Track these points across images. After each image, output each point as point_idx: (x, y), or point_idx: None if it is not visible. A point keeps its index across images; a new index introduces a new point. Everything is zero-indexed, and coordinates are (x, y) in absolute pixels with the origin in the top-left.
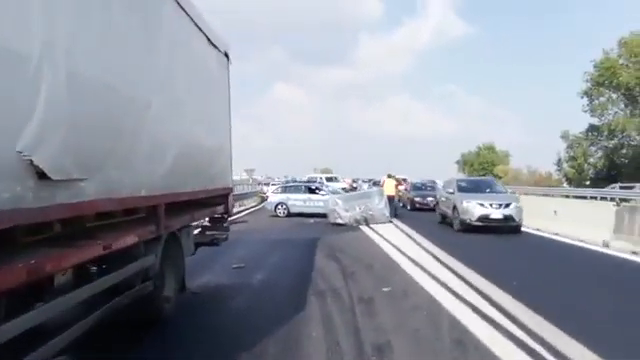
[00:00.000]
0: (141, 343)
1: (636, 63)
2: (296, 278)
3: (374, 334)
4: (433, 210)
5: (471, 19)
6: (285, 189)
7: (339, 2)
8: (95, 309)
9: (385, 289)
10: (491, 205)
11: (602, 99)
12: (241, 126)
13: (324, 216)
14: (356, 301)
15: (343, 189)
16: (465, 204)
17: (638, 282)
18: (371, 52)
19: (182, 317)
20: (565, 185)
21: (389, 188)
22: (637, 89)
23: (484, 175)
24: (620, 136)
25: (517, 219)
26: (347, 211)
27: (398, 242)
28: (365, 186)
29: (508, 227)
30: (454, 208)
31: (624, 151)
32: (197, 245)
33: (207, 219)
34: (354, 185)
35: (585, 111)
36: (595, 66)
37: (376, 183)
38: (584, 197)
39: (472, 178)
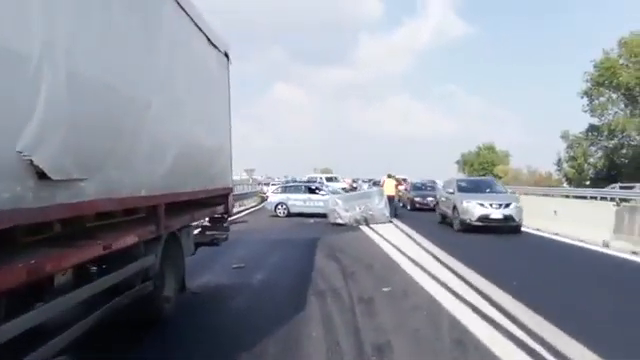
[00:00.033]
0: (141, 343)
1: (636, 63)
2: (296, 278)
3: (374, 334)
4: (433, 210)
5: (471, 19)
6: (285, 189)
7: (339, 2)
8: (95, 309)
9: (385, 289)
10: (491, 205)
11: (602, 99)
12: (241, 126)
13: (324, 216)
14: (356, 301)
15: (343, 189)
16: (465, 204)
17: (638, 282)
18: (371, 52)
19: (182, 317)
20: (565, 185)
21: (389, 188)
22: (637, 89)
23: (484, 175)
24: (620, 136)
25: (517, 219)
26: (347, 211)
27: (398, 242)
28: (365, 186)
29: (508, 227)
30: (454, 208)
31: (624, 151)
32: (197, 245)
33: (207, 219)
34: (354, 185)
35: (585, 111)
36: (595, 66)
37: (376, 183)
38: (584, 197)
39: (472, 178)
